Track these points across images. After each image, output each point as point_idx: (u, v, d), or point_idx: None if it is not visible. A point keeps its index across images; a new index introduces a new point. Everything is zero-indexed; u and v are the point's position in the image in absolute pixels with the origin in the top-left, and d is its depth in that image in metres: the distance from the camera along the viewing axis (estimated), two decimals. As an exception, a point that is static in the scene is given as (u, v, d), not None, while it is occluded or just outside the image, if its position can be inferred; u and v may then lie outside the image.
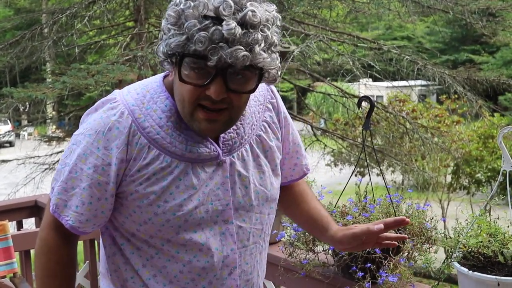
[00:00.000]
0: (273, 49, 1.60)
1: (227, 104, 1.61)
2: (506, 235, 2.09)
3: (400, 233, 2.34)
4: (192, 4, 1.51)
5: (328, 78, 10.77)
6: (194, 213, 1.71)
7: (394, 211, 2.37)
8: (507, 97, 25.16)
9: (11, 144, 24.03)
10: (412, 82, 9.97)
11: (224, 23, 1.48)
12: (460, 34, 33.08)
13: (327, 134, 10.93)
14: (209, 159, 1.72)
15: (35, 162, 9.92)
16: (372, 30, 26.67)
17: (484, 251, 2.05)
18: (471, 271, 2.01)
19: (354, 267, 2.33)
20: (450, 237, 2.20)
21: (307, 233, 2.52)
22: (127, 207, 1.72)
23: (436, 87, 12.39)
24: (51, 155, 10.11)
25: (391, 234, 1.97)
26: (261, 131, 1.85)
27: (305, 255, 2.58)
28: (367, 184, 2.59)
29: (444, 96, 14.46)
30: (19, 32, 10.31)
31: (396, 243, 1.97)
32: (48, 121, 11.36)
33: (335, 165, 14.86)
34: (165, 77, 1.78)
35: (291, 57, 7.42)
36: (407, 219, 1.87)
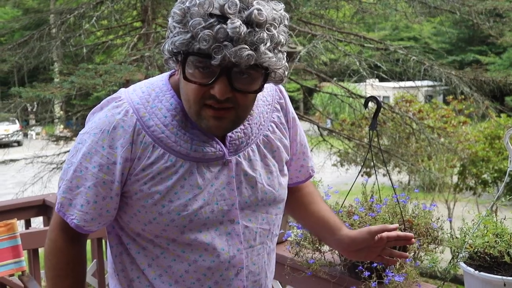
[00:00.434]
0: (279, 48, 1.58)
1: (233, 104, 1.59)
2: (512, 235, 2.10)
3: (408, 232, 2.35)
4: (197, 1, 1.49)
5: (335, 79, 10.78)
6: (199, 213, 1.69)
7: (401, 211, 2.38)
8: (514, 98, 25.09)
9: (19, 143, 24.04)
10: (418, 83, 9.97)
11: (229, 21, 1.46)
12: (467, 35, 33.01)
13: (334, 134, 10.93)
14: (215, 159, 1.71)
15: (43, 161, 9.95)
16: (378, 31, 26.65)
17: (491, 252, 2.06)
18: (477, 271, 2.01)
19: (360, 267, 2.34)
20: (456, 237, 2.20)
21: (313, 233, 2.53)
22: (132, 207, 1.71)
23: (443, 87, 12.38)
24: (58, 154, 10.14)
25: (395, 251, 1.99)
26: (268, 131, 1.83)
27: (311, 254, 2.59)
28: (374, 184, 2.59)
29: (451, 97, 14.44)
30: (28, 32, 10.37)
31: (397, 261, 2.01)
32: (56, 120, 11.38)
33: (342, 165, 14.84)
34: (171, 76, 1.77)
35: (297, 57, 7.44)
36: (414, 240, 1.91)
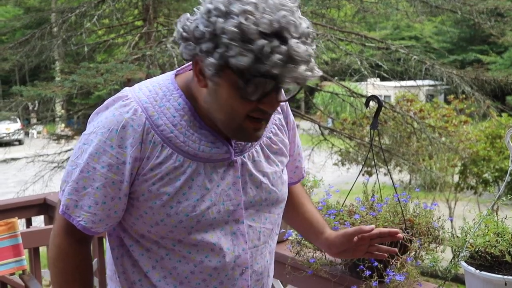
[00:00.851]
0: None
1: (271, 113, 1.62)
2: (513, 234, 2.10)
3: (407, 232, 2.35)
4: (252, 18, 1.44)
5: (336, 78, 10.78)
6: (206, 213, 1.68)
7: (402, 210, 2.38)
8: (515, 97, 25.08)
9: (20, 142, 24.03)
10: (420, 82, 9.98)
11: (291, 42, 1.44)
12: (468, 34, 33.00)
13: (335, 133, 10.94)
14: (221, 159, 1.70)
15: (44, 160, 9.97)
16: (380, 30, 26.62)
17: (492, 251, 2.05)
18: (478, 271, 2.01)
19: (361, 266, 2.34)
20: (457, 236, 2.20)
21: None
22: (138, 208, 1.69)
23: (444, 87, 12.39)
24: (60, 153, 10.16)
25: (383, 246, 1.99)
26: (271, 133, 1.84)
27: (312, 253, 2.59)
28: (375, 183, 2.59)
29: (452, 96, 14.44)
30: (29, 31, 10.37)
31: (386, 255, 2.01)
32: (57, 119, 11.41)
33: (343, 164, 14.84)
34: (176, 75, 1.74)
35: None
36: (400, 235, 1.90)
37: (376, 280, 2.31)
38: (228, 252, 1.74)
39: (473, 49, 32.96)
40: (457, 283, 9.79)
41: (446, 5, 8.88)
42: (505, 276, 1.96)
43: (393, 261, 2.34)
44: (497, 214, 2.22)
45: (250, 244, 1.79)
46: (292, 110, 1.99)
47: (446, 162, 12.90)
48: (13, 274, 3.54)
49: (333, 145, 10.80)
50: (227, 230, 1.74)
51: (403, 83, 10.39)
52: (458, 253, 2.13)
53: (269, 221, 1.85)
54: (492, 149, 12.99)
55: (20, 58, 9.48)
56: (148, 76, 7.45)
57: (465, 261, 2.09)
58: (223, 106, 1.58)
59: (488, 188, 12.81)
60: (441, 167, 12.91)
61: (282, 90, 1.61)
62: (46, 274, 3.93)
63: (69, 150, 10.14)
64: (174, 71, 1.77)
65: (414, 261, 2.40)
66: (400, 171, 13.26)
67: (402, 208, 2.41)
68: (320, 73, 1.54)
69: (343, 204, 2.56)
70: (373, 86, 11.36)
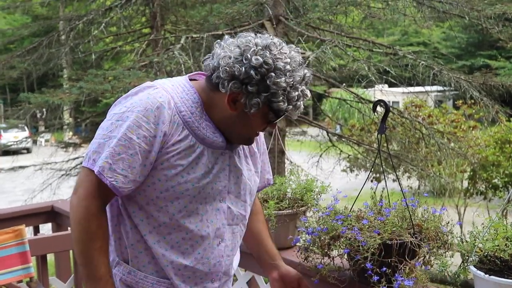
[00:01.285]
0: None
1: None
2: (523, 239, 2.08)
3: (416, 237, 2.33)
4: (292, 75, 2.02)
5: (344, 84, 10.75)
6: (206, 187, 2.13)
7: (410, 215, 2.36)
8: (524, 103, 24.97)
9: (28, 150, 24.18)
10: (428, 88, 9.94)
11: (304, 89, 2.08)
12: (476, 39, 32.93)
13: (343, 139, 10.92)
14: (218, 147, 2.15)
15: (52, 168, 10.00)
16: (387, 36, 26.65)
17: (501, 255, 2.04)
18: (487, 275, 2.00)
19: (369, 271, 2.32)
20: (466, 241, 2.19)
21: (322, 238, 2.51)
22: (153, 176, 2.08)
23: (452, 92, 12.31)
24: (67, 161, 10.18)
25: None
26: None
27: (320, 259, 2.57)
28: (383, 189, 2.58)
29: (461, 101, 14.37)
30: (37, 39, 10.43)
31: None
32: (65, 127, 11.46)
33: (351, 170, 14.84)
34: (190, 79, 2.19)
35: (306, 63, 7.42)
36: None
37: (384, 286, 2.30)
38: (212, 224, 2.18)
39: (481, 54, 32.87)
40: (467, 289, 9.71)
41: (453, 11, 8.85)
42: (515, 281, 1.94)
43: (401, 266, 2.32)
44: (506, 218, 2.20)
45: (226, 222, 2.24)
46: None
47: (455, 167, 12.83)
48: (20, 281, 3.53)
49: (341, 151, 10.77)
50: (213, 206, 2.18)
51: (411, 89, 10.35)
52: (467, 257, 2.11)
53: (244, 208, 2.31)
54: (502, 154, 12.92)
55: (28, 66, 9.52)
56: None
57: (474, 266, 2.08)
58: (247, 127, 2.12)
59: (497, 193, 12.74)
60: (450, 172, 12.84)
61: None
62: (53, 281, 3.92)
63: (77, 158, 10.16)
64: (187, 76, 2.22)
65: (422, 266, 2.38)
66: (409, 177, 13.22)
67: (411, 213, 2.39)
68: None
69: (351, 209, 2.55)
70: (381, 92, 11.32)
